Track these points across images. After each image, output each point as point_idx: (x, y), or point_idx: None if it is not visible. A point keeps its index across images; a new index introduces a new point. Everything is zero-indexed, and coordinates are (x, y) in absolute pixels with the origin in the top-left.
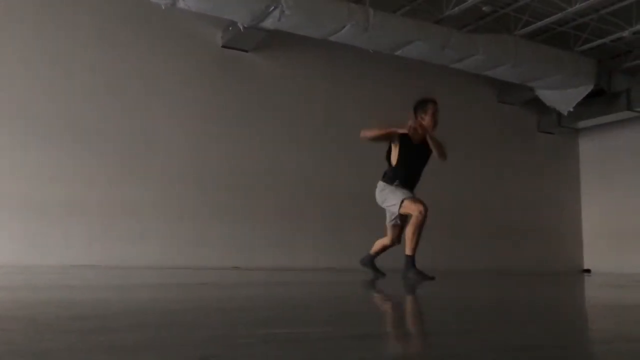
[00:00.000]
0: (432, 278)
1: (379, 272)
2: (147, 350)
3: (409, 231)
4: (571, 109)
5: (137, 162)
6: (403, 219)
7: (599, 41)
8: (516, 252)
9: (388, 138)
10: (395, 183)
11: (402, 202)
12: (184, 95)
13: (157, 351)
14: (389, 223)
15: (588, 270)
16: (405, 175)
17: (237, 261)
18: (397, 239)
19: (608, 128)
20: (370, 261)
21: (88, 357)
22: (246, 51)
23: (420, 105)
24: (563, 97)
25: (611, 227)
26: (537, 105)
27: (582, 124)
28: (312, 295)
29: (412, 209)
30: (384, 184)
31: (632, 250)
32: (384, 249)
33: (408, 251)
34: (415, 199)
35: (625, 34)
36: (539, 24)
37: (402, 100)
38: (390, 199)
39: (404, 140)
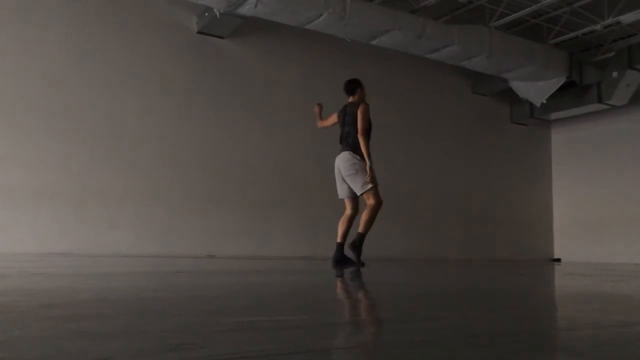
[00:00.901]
0: (362, 265)
1: (354, 262)
2: (118, 338)
3: (365, 215)
4: (544, 101)
5: (109, 149)
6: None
7: (571, 34)
8: (488, 241)
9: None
10: (369, 163)
11: (371, 187)
12: (158, 82)
13: (129, 339)
14: (346, 197)
15: (558, 260)
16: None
17: (211, 249)
18: (357, 208)
19: (579, 120)
20: (341, 256)
21: (58, 344)
22: (222, 38)
23: (361, 85)
24: (536, 89)
25: (581, 217)
26: (510, 96)
27: (554, 115)
28: (286, 284)
29: (375, 198)
30: (356, 158)
31: (601, 240)
32: (351, 223)
33: (362, 230)
34: (378, 191)
35: (597, 27)
36: (514, 16)
37: (378, 90)
38: (362, 179)
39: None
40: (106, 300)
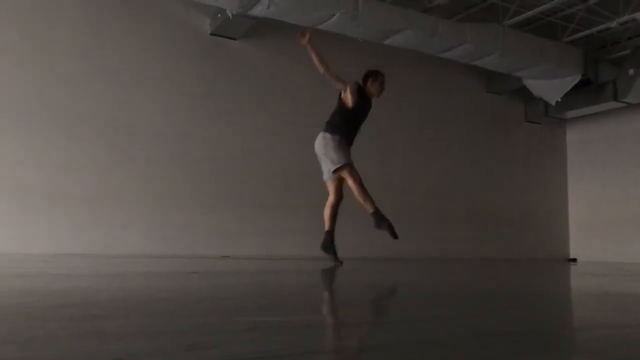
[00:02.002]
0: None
1: (337, 260)
2: (133, 338)
3: (357, 195)
4: (559, 99)
5: (123, 150)
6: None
7: (586, 32)
8: (503, 240)
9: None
10: (338, 138)
11: (343, 165)
12: (171, 83)
13: (144, 338)
14: (327, 179)
15: (574, 259)
16: (349, 130)
17: (225, 250)
18: (340, 192)
19: (594, 118)
20: (330, 243)
21: (73, 344)
22: (235, 39)
23: (374, 76)
24: (550, 88)
25: (597, 216)
26: (524, 95)
27: (569, 114)
28: (299, 284)
29: (351, 175)
30: (329, 135)
31: (618, 240)
32: (335, 210)
33: (370, 209)
34: (353, 168)
35: (613, 24)
36: (528, 13)
37: (390, 89)
38: (333, 156)
39: (360, 93)
40: (120, 300)
